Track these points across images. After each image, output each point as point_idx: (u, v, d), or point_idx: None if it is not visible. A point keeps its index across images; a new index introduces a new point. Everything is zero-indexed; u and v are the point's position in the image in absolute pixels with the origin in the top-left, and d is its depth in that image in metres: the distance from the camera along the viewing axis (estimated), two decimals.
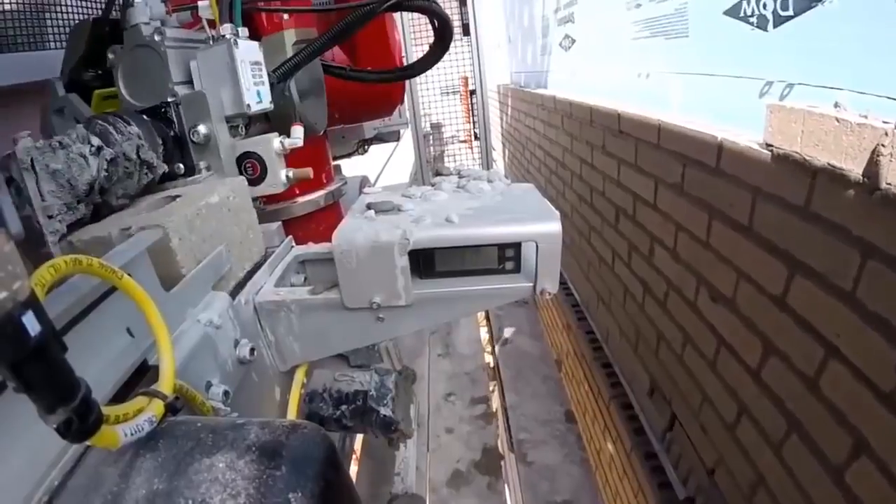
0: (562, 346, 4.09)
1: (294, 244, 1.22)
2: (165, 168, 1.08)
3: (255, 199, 1.65)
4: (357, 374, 1.15)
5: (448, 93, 7.73)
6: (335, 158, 2.19)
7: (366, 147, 3.28)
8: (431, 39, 1.59)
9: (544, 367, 4.56)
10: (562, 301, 3.84)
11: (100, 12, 1.76)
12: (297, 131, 1.26)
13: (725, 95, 1.70)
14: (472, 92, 6.97)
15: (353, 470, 2.00)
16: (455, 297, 0.94)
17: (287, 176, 1.24)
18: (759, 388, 1.45)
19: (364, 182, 2.54)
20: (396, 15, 3.16)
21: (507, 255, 0.93)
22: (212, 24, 1.13)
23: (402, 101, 2.56)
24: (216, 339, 0.82)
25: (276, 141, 1.20)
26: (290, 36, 1.43)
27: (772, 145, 1.28)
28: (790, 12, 1.34)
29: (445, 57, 1.64)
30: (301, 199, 1.67)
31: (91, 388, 0.45)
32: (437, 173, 1.32)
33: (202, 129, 1.13)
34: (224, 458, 0.52)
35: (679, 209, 1.86)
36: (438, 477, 4.10)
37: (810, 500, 1.27)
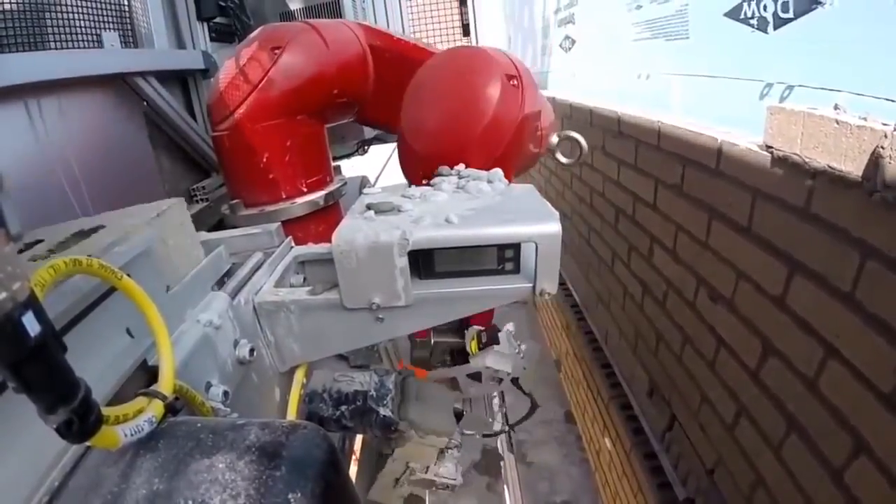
0: (561, 347, 4.09)
1: (293, 244, 1.22)
2: None
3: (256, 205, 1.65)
4: (357, 375, 1.15)
5: None
6: (335, 159, 2.19)
7: (365, 147, 3.28)
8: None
9: (543, 367, 4.56)
10: (561, 301, 3.84)
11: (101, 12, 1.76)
12: None
13: (726, 97, 1.70)
14: None
15: (353, 470, 2.00)
16: (454, 298, 0.94)
17: None
18: (758, 389, 1.45)
19: (364, 182, 2.54)
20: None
21: (506, 256, 0.93)
22: None
23: None
24: (216, 340, 0.82)
25: None
26: None
27: (772, 147, 1.28)
28: (790, 14, 1.34)
29: None
30: (300, 200, 1.68)
31: (91, 389, 0.45)
32: (437, 174, 1.31)
33: None
34: (224, 459, 0.52)
35: (679, 210, 1.86)
36: None
37: (810, 501, 1.27)
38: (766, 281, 1.38)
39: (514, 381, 1.16)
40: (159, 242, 0.82)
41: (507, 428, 1.34)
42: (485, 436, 1.36)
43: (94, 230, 0.79)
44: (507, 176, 1.45)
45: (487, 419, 1.31)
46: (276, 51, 1.54)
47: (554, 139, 1.69)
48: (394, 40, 1.91)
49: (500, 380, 1.18)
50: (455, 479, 1.22)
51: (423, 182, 1.34)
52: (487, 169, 1.24)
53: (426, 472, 1.19)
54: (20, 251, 0.73)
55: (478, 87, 1.35)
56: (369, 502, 1.23)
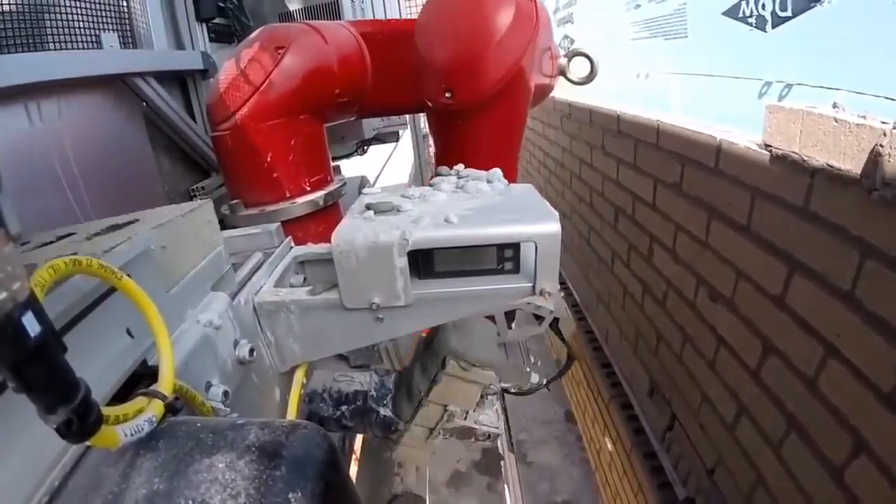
0: (561, 347, 4.08)
1: (293, 245, 1.22)
2: None
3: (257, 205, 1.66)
4: (357, 375, 1.15)
5: None
6: (334, 159, 2.19)
7: (365, 147, 3.29)
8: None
9: (544, 367, 4.56)
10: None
11: (99, 12, 1.76)
12: None
13: (724, 96, 1.70)
14: None
15: (353, 470, 2.00)
16: (454, 298, 0.94)
17: None
18: (758, 388, 1.45)
19: (363, 182, 2.54)
20: None
21: (506, 256, 0.93)
22: None
23: None
24: (216, 340, 0.82)
25: None
26: None
27: (770, 145, 1.28)
28: (788, 13, 1.34)
29: None
30: (300, 200, 1.68)
31: (91, 389, 0.45)
32: (437, 174, 1.31)
33: None
34: (224, 459, 0.52)
35: (678, 209, 1.86)
36: (438, 477, 4.09)
37: (810, 500, 1.27)
38: (765, 280, 1.38)
39: (555, 323, 1.03)
40: (190, 236, 0.85)
41: (544, 383, 1.24)
42: (518, 393, 1.24)
43: (129, 223, 0.82)
44: (523, 102, 1.52)
45: (525, 369, 1.22)
46: (280, 51, 1.54)
47: (563, 60, 1.69)
48: (382, 22, 1.92)
49: (541, 319, 1.04)
50: (498, 428, 1.10)
51: (446, 96, 1.37)
52: (504, 87, 1.27)
53: (465, 419, 1.06)
54: (50, 243, 0.73)
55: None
56: (394, 462, 1.15)
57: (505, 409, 4.47)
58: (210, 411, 0.74)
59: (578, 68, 1.73)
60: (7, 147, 1.33)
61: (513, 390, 1.20)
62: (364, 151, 3.33)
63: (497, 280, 0.94)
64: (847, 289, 1.09)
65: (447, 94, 1.38)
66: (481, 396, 1.05)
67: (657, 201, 2.03)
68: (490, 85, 1.38)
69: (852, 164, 1.02)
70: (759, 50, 1.49)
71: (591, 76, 1.68)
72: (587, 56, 1.67)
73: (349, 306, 0.94)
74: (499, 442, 4.46)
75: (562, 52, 1.74)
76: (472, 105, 1.43)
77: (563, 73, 1.71)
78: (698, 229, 1.71)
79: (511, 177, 1.71)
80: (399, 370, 1.23)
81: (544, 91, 1.81)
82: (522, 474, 4.00)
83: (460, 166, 1.29)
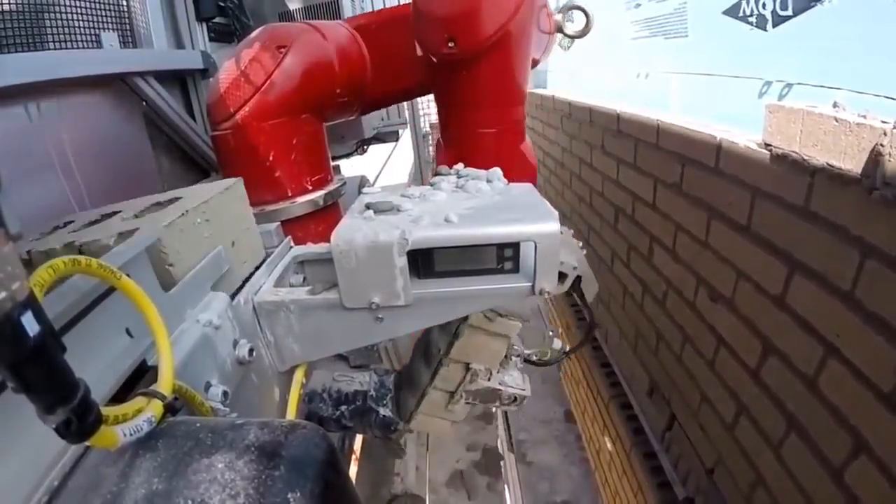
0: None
1: (293, 244, 1.22)
2: None
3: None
4: (356, 375, 1.15)
5: None
6: (334, 158, 2.19)
7: (365, 147, 3.28)
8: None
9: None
10: (561, 301, 3.84)
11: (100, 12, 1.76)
12: None
13: (725, 95, 1.70)
14: None
15: (353, 470, 2.00)
16: (454, 297, 0.94)
17: None
18: (758, 388, 1.45)
19: (363, 182, 2.53)
20: None
21: (505, 255, 0.93)
22: None
23: None
24: (215, 340, 0.82)
25: None
26: None
27: (770, 145, 1.28)
28: (789, 12, 1.34)
29: None
30: (300, 199, 1.67)
31: (90, 389, 0.45)
32: (436, 173, 1.31)
33: None
34: (223, 459, 0.52)
35: (678, 209, 1.86)
36: (438, 477, 4.09)
37: (810, 500, 1.27)
38: (765, 280, 1.38)
39: (577, 282, 0.91)
40: (230, 208, 0.97)
41: (566, 349, 1.17)
42: (540, 363, 1.14)
43: (172, 201, 0.87)
44: (524, 50, 1.56)
45: (548, 333, 1.15)
46: (281, 50, 1.54)
47: (558, 16, 1.72)
48: (374, 12, 1.93)
49: (564, 276, 0.92)
50: (524, 390, 1.01)
51: (449, 46, 1.42)
52: (504, 35, 1.33)
53: (489, 379, 0.96)
54: (96, 221, 0.74)
55: None
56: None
57: (506, 415, 4.46)
58: (209, 411, 0.74)
59: (574, 23, 1.76)
60: (7, 147, 1.32)
61: (534, 358, 1.13)
62: (364, 151, 3.33)
63: (497, 280, 0.94)
64: (847, 289, 1.08)
65: (450, 44, 1.42)
66: (505, 357, 0.97)
67: (657, 201, 2.03)
68: (491, 32, 1.41)
69: (852, 164, 1.02)
70: (759, 49, 1.49)
71: (586, 29, 1.69)
72: (582, 9, 1.68)
73: (349, 306, 0.93)
74: (498, 441, 4.46)
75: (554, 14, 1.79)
76: (475, 52, 1.47)
77: (559, 28, 1.74)
78: (698, 229, 1.71)
79: (519, 127, 1.73)
80: (399, 370, 1.23)
81: (546, 47, 1.87)
82: (522, 474, 4.01)
83: (460, 165, 1.29)
